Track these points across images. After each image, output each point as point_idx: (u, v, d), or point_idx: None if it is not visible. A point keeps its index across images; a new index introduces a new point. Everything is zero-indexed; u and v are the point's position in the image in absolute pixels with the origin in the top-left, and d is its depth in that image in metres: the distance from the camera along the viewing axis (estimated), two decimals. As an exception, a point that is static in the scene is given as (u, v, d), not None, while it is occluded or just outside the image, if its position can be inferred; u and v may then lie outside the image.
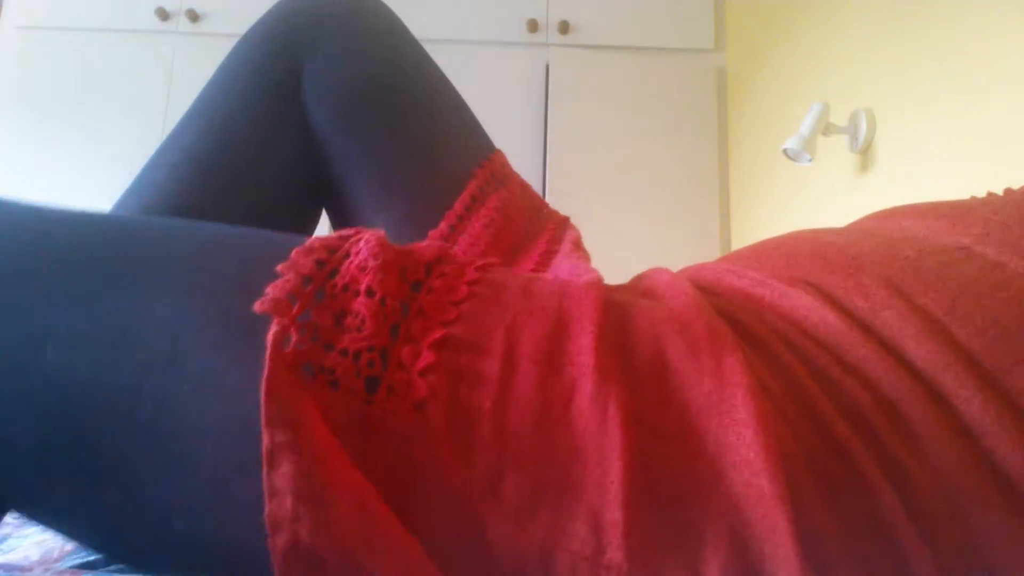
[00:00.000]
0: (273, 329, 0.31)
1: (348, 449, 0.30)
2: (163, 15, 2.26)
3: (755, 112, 2.05)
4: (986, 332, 0.34)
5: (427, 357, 0.32)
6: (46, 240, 0.36)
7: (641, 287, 0.43)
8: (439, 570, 0.30)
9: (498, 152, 0.66)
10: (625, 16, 2.28)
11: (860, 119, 1.45)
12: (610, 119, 2.21)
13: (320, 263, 0.34)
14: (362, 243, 0.36)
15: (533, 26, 2.24)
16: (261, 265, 0.34)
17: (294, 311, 0.32)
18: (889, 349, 0.34)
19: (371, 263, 0.34)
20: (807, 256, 0.41)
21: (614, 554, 0.28)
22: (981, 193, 0.53)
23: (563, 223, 0.65)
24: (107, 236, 0.37)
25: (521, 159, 2.07)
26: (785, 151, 1.49)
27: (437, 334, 0.33)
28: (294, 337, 0.31)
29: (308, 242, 0.36)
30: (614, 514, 0.29)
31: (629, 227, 2.12)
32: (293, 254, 0.35)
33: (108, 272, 0.34)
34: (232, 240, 0.37)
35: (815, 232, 0.45)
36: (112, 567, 0.62)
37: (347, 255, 0.35)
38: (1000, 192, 0.52)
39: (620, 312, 0.36)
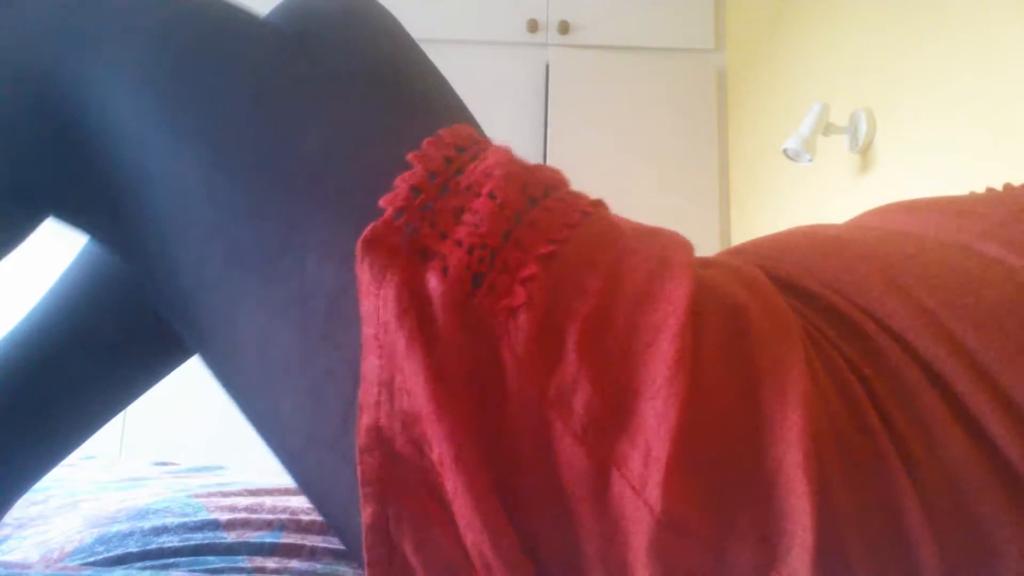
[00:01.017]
0: (379, 221, 0.33)
1: (443, 338, 0.32)
2: (163, 16, 2.26)
3: (755, 112, 2.05)
4: (984, 327, 0.34)
5: (531, 267, 0.33)
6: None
7: (717, 261, 0.44)
8: (504, 476, 0.31)
9: None
10: (625, 16, 2.28)
11: (860, 119, 1.45)
12: (610, 119, 2.21)
13: (448, 160, 0.36)
14: (490, 151, 0.37)
15: (533, 26, 2.24)
16: (398, 142, 0.37)
17: (417, 203, 0.34)
18: (899, 342, 0.35)
19: (496, 171, 0.36)
20: (807, 251, 0.41)
21: (653, 490, 0.29)
22: (981, 190, 0.53)
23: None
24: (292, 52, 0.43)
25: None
26: (785, 151, 1.50)
27: (545, 249, 0.34)
28: (414, 225, 0.33)
29: (439, 134, 0.37)
30: (659, 451, 0.30)
31: (629, 227, 2.12)
32: (424, 144, 0.36)
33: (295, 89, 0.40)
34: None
35: (814, 228, 0.46)
36: (114, 567, 0.61)
37: (474, 157, 0.37)
38: (1000, 188, 0.52)
39: (708, 277, 0.38)
